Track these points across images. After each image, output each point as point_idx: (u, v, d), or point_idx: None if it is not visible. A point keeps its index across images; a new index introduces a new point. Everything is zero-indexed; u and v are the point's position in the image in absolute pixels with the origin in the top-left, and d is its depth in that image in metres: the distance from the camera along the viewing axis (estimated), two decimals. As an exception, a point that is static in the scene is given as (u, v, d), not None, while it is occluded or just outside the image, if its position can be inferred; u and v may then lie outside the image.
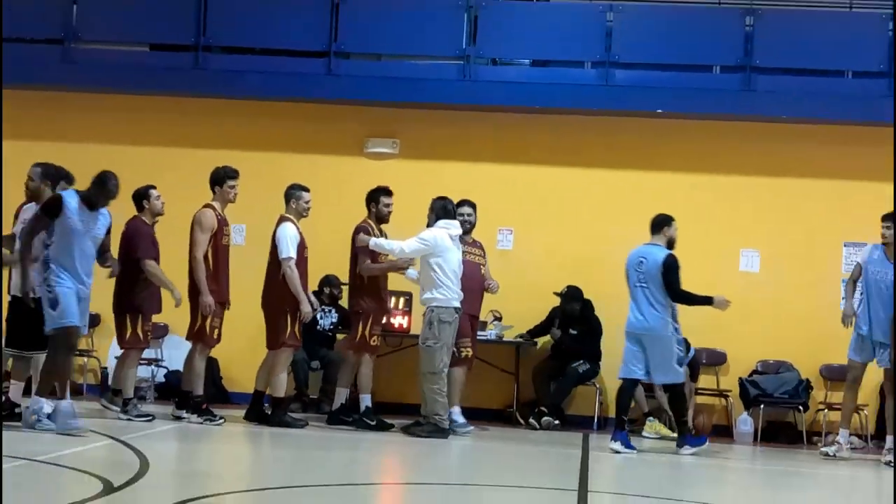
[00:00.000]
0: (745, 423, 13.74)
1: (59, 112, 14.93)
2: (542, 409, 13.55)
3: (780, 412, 14.11)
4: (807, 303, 12.66)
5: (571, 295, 13.73)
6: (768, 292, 13.43)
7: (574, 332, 13.79)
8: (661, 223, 12.21)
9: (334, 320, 14.02)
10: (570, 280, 13.85)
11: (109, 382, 12.89)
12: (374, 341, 12.56)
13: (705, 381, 14.32)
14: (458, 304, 12.25)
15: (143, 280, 12.19)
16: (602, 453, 11.94)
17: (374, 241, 12.27)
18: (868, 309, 12.08)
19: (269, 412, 12.48)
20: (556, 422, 13.38)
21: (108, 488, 7.60)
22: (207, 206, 12.21)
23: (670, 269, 11.82)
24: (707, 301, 12.08)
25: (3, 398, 11.29)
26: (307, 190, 12.52)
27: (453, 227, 12.26)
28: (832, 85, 14.39)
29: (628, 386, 12.06)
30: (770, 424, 13.81)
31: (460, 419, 12.48)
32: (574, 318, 13.81)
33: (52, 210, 10.30)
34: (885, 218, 12.04)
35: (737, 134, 14.54)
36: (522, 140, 14.68)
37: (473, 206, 12.93)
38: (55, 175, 11.45)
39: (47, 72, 14.90)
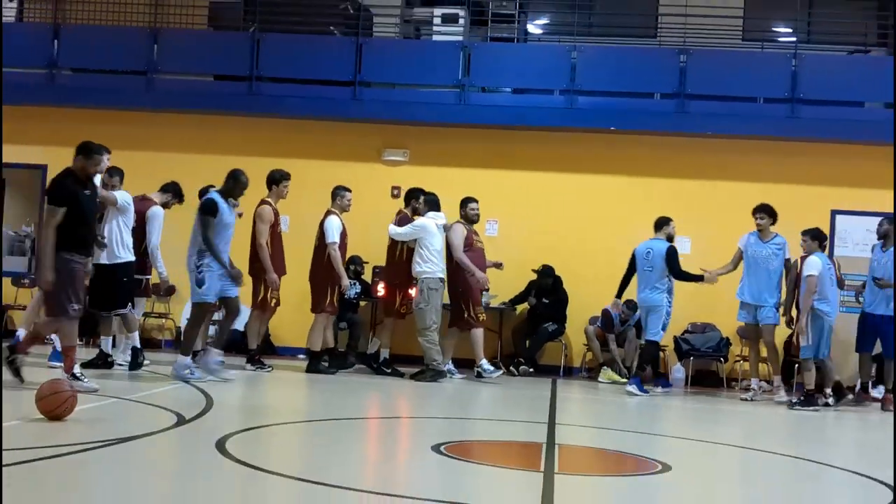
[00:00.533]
0: (678, 371, 13.91)
1: (144, 128, 14.88)
2: (520, 360, 13.72)
3: (706, 363, 14.21)
4: (725, 278, 12.73)
5: (545, 272, 13.85)
6: (696, 269, 13.52)
7: (546, 301, 13.89)
8: (661, 223, 12.63)
9: (358, 291, 13.89)
10: (543, 261, 13.91)
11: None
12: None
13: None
14: (442, 276, 12.38)
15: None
16: (567, 394, 12.09)
17: (391, 229, 12.54)
18: (747, 281, 12.36)
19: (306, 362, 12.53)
20: (531, 370, 13.57)
21: (181, 420, 7.77)
22: (264, 202, 12.30)
23: (671, 256, 12.21)
24: (699, 278, 12.50)
25: (99, 351, 11.37)
26: (349, 190, 12.71)
27: (439, 218, 12.49)
28: (747, 108, 14.45)
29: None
30: (698, 372, 13.98)
31: (489, 367, 12.44)
32: (546, 289, 13.93)
33: (211, 210, 10.61)
34: (756, 210, 12.38)
35: (673, 146, 14.57)
36: (506, 151, 14.75)
37: (477, 201, 13.03)
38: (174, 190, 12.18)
39: (135, 97, 14.91)
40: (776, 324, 12.46)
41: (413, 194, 12.84)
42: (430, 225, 12.39)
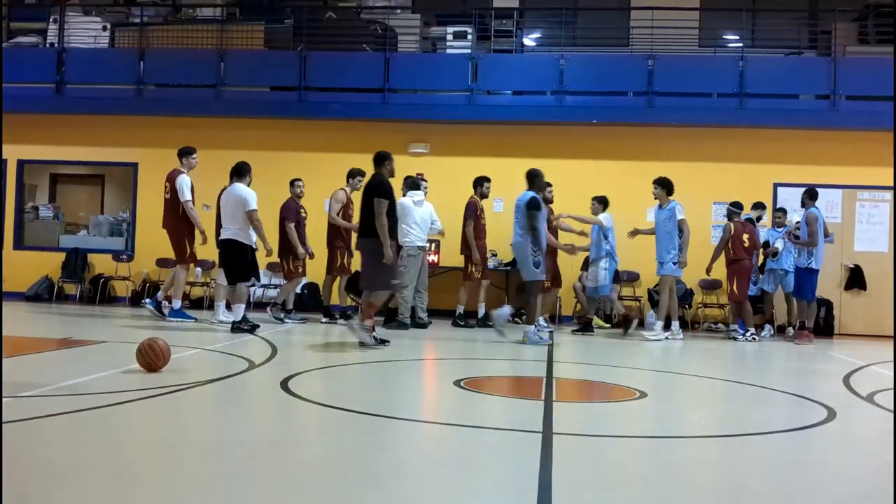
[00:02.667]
0: (651, 317, 13.69)
1: (214, 131, 14.98)
2: (522, 311, 13.73)
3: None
4: (691, 241, 12.77)
5: None
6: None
7: None
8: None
9: None
10: None
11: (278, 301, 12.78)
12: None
13: (627, 291, 14.50)
14: (421, 244, 12.30)
15: (339, 230, 12.35)
16: (563, 337, 12.07)
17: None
18: (658, 244, 12.32)
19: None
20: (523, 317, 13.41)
21: (252, 365, 7.84)
22: (341, 188, 12.52)
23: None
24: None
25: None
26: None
27: (416, 195, 12.38)
28: (703, 102, 14.38)
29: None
30: (667, 318, 14.04)
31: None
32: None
33: (537, 206, 10.78)
34: (653, 182, 12.28)
35: (643, 135, 14.58)
36: (507, 142, 14.74)
37: (490, 180, 13.01)
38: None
39: (206, 106, 15.03)
40: (670, 275, 12.26)
41: (479, 182, 12.89)
42: (408, 203, 12.25)
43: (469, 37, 15.12)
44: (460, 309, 13.00)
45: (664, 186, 12.26)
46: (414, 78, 15.05)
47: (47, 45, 15.94)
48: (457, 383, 7.21)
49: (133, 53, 15.50)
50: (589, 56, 15.18)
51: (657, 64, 14.33)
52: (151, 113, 15.20)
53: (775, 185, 14.47)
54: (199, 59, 15.24)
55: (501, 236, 13.37)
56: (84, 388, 6.30)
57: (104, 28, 15.92)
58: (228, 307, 11.64)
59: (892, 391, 7.45)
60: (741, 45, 15.33)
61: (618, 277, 13.30)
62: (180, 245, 11.86)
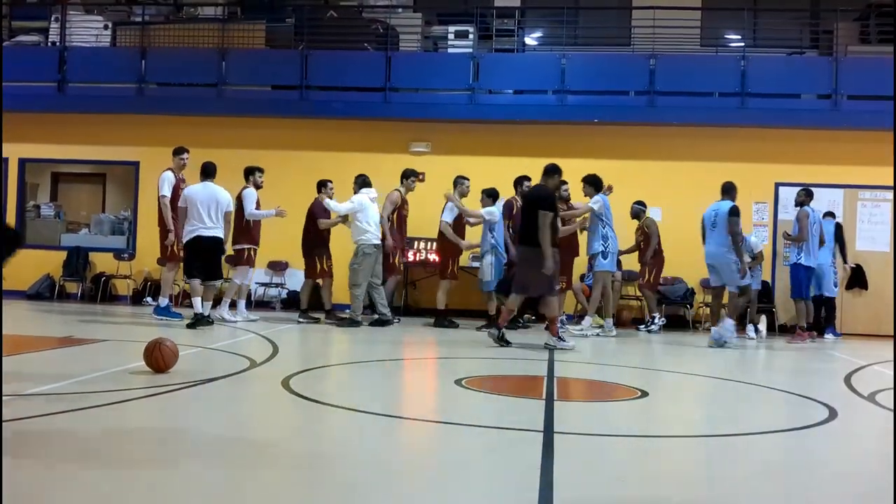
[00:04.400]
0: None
1: (215, 130, 14.95)
2: (529, 311, 13.22)
3: (676, 309, 14.30)
4: (690, 240, 12.75)
5: None
6: (668, 234, 13.48)
7: None
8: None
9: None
10: None
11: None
12: None
13: (630, 290, 14.47)
14: (376, 242, 12.03)
15: (320, 233, 12.39)
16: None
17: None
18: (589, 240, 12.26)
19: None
20: (533, 317, 13.30)
21: (253, 364, 7.86)
22: (396, 189, 12.56)
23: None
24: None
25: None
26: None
27: (371, 193, 12.19)
28: (705, 101, 14.37)
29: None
30: (668, 317, 13.92)
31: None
32: None
33: (738, 213, 11.31)
34: (582, 180, 12.18)
35: (645, 134, 14.56)
36: (509, 141, 14.72)
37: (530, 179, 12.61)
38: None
39: (208, 105, 15.05)
40: (601, 269, 12.12)
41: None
42: (364, 200, 12.10)
43: (470, 36, 15.12)
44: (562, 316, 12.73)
45: (592, 184, 12.21)
46: (415, 77, 15.05)
47: (49, 43, 15.95)
48: (458, 382, 7.21)
49: (134, 52, 15.51)
50: (590, 55, 15.16)
51: (659, 63, 14.32)
52: (153, 112, 15.20)
53: (777, 185, 14.47)
54: (201, 57, 15.24)
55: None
56: (85, 386, 6.30)
57: (106, 27, 15.94)
58: (233, 305, 11.71)
59: (892, 391, 7.45)
60: (743, 44, 15.33)
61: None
62: (163, 243, 12.03)
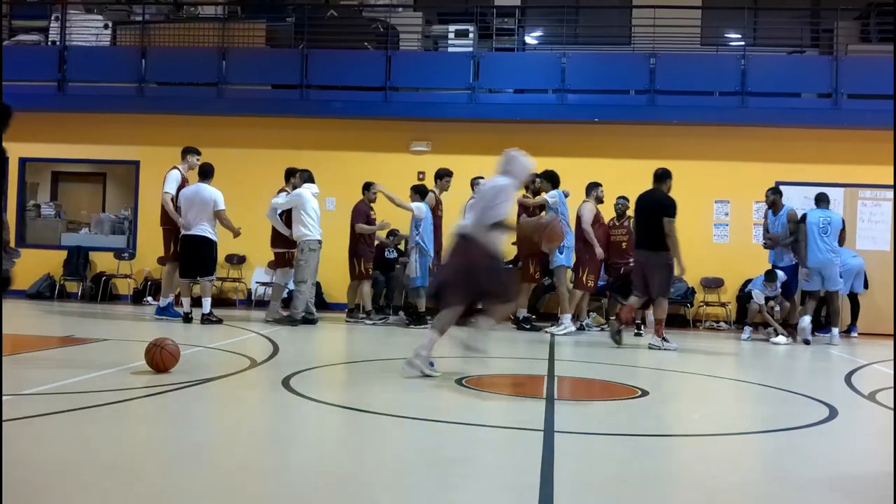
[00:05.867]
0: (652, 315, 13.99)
1: (216, 130, 14.99)
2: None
3: (676, 307, 14.20)
4: (691, 239, 12.74)
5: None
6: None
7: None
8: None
9: (395, 255, 13.64)
10: None
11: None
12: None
13: None
14: (319, 238, 11.79)
15: (362, 235, 12.38)
16: (564, 336, 11.87)
17: (274, 201, 11.99)
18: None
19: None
20: (534, 317, 13.13)
21: (253, 363, 7.87)
22: (430, 190, 12.52)
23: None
24: None
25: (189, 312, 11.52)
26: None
27: (313, 188, 11.98)
28: (705, 100, 14.41)
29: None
30: (669, 316, 13.85)
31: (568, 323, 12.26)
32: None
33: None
34: (538, 176, 12.08)
35: (645, 133, 14.59)
36: (509, 140, 14.10)
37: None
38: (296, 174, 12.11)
39: (208, 105, 15.07)
40: (559, 265, 12.15)
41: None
42: (305, 194, 11.83)
43: (471, 35, 15.14)
44: (587, 319, 12.88)
45: (549, 179, 12.22)
46: (415, 76, 15.08)
47: (49, 43, 15.95)
48: (458, 381, 7.20)
49: (135, 51, 15.52)
50: (591, 54, 15.20)
51: (659, 62, 14.35)
52: (153, 111, 15.21)
53: (777, 184, 14.40)
54: (201, 57, 15.26)
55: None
56: (86, 385, 6.30)
57: (106, 26, 15.96)
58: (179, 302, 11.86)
59: (892, 390, 7.44)
60: (743, 43, 15.35)
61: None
62: (165, 242, 12.05)
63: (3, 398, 5.21)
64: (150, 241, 15.15)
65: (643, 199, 10.86)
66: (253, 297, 14.77)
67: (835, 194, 14.18)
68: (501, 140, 14.73)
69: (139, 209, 15.66)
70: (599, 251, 12.37)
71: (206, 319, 11.31)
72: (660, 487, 4.28)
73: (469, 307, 7.40)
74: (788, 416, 6.62)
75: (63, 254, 15.65)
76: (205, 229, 11.43)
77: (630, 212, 12.30)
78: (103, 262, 15.72)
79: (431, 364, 7.42)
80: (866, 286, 13.88)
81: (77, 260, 15.57)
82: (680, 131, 14.53)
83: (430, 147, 14.99)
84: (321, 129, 15.10)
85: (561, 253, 11.97)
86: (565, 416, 5.91)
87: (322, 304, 13.88)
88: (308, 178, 12.14)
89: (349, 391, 7.13)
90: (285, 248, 12.19)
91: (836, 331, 12.04)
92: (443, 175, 12.62)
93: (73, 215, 17.54)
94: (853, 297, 13.60)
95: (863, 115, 13.83)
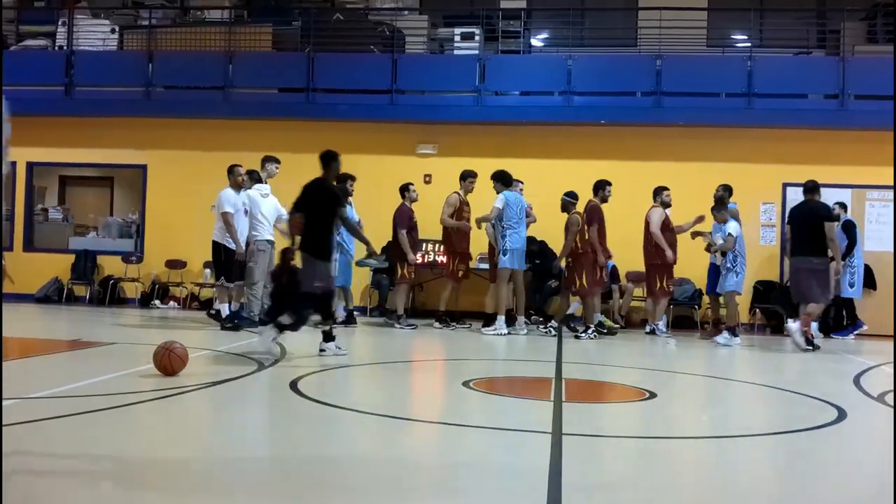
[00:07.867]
0: (662, 317, 13.87)
1: (223, 133, 14.92)
2: (531, 311, 13.33)
3: (683, 309, 14.22)
4: (698, 241, 12.75)
5: (528, 241, 12.81)
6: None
7: (538, 262, 13.41)
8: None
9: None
10: (548, 229, 13.41)
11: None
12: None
13: (638, 291, 14.29)
14: (270, 238, 11.57)
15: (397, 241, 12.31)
16: (570, 337, 11.82)
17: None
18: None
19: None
20: (541, 318, 13.05)
21: (261, 366, 7.87)
22: (455, 192, 12.50)
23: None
24: None
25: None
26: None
27: (264, 189, 11.80)
28: (712, 102, 14.33)
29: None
30: (676, 317, 13.97)
31: (663, 328, 12.49)
32: (535, 254, 13.41)
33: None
34: (491, 177, 12.16)
35: (651, 135, 14.49)
36: (515, 142, 14.65)
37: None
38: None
39: (215, 108, 14.98)
40: (502, 267, 12.03)
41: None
42: (255, 196, 11.67)
43: (476, 38, 15.08)
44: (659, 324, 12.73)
45: (499, 180, 12.20)
46: (421, 79, 15.02)
47: (56, 47, 15.98)
48: (466, 384, 7.20)
49: (141, 56, 15.51)
50: (597, 56, 15.11)
51: (665, 64, 14.27)
52: (160, 115, 15.21)
53: (784, 185, 14.40)
54: (207, 60, 15.23)
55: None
56: (94, 389, 6.31)
57: (112, 31, 15.97)
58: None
59: (892, 390, 7.41)
60: (749, 44, 15.26)
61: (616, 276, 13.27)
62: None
63: (13, 402, 5.23)
64: (158, 245, 15.22)
65: (801, 210, 11.50)
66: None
67: (842, 195, 14.13)
68: (508, 142, 14.89)
69: (146, 213, 15.67)
70: (670, 254, 12.34)
71: (224, 322, 11.23)
72: (668, 489, 4.27)
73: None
74: (797, 418, 6.61)
75: (71, 258, 15.67)
76: (215, 234, 11.45)
77: None
78: (111, 265, 15.72)
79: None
80: (873, 285, 13.92)
81: (85, 264, 15.59)
82: (686, 133, 14.46)
83: (437, 150, 14.95)
84: (327, 132, 14.97)
85: (505, 255, 11.98)
86: (573, 418, 5.90)
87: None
88: (257, 178, 11.97)
89: (357, 394, 7.14)
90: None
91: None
92: (467, 176, 12.59)
93: (80, 219, 17.55)
94: (846, 301, 13.50)
95: (870, 115, 13.77)
